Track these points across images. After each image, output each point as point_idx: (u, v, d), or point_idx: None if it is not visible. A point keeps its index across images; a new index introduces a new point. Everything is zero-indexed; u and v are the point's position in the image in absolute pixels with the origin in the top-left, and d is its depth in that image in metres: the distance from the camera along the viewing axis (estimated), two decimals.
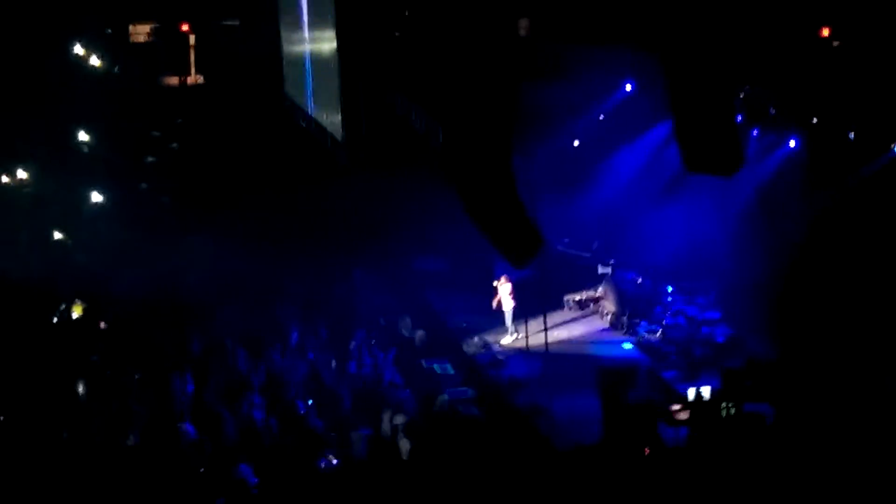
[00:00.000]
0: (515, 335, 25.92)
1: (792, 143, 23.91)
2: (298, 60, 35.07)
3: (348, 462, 19.82)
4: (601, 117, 29.27)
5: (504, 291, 25.90)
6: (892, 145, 20.40)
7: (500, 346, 25.75)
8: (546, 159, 27.90)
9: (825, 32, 21.22)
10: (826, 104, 22.19)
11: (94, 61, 35.23)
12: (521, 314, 25.90)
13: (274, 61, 35.98)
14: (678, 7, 13.78)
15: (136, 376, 22.53)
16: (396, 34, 27.61)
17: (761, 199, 25.26)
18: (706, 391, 21.58)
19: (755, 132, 24.63)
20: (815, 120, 22.57)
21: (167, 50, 36.48)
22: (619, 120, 28.67)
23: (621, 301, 27.06)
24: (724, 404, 20.79)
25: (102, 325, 25.28)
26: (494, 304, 26.03)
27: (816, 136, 22.96)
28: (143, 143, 35.64)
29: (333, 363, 23.57)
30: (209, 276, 27.33)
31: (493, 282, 26.12)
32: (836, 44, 21.41)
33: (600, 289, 27.79)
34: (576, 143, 30.09)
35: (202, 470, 19.09)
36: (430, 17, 25.39)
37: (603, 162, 29.19)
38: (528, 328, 25.84)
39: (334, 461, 19.66)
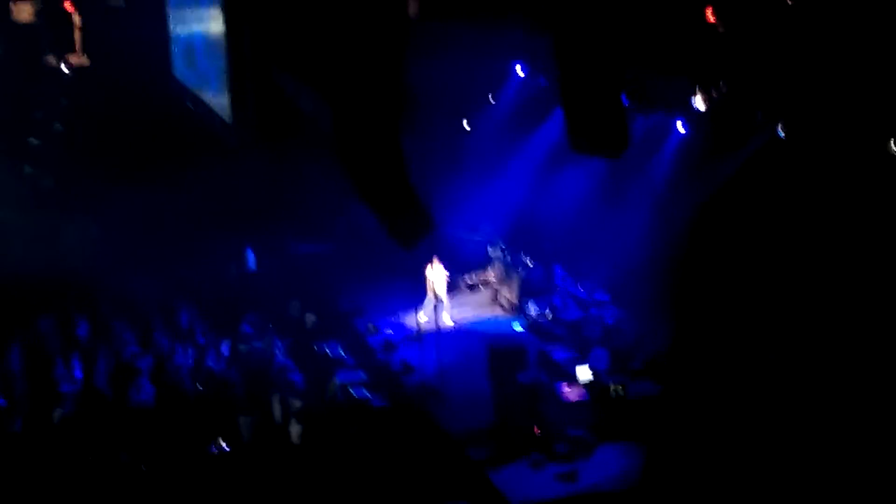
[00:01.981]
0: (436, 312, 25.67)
1: (680, 127, 24.16)
2: (186, 41, 34.56)
3: (238, 447, 19.70)
4: (492, 101, 29.35)
5: (436, 274, 25.85)
6: (777, 126, 20.70)
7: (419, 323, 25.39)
8: (440, 142, 27.92)
9: (710, 16, 21.42)
10: (713, 86, 22.46)
11: None
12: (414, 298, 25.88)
13: (161, 42, 35.38)
14: None
15: (19, 361, 22.07)
16: (284, 13, 27.32)
17: (649, 182, 25.53)
18: (590, 373, 21.88)
19: (641, 117, 24.85)
20: (700, 104, 22.83)
21: (51, 30, 35.66)
22: (513, 103, 28.76)
23: (511, 283, 27.22)
24: (612, 385, 21.07)
25: None
26: (428, 288, 25.80)
27: (703, 119, 23.24)
28: (25, 125, 34.84)
29: (223, 347, 23.33)
30: (96, 259, 26.86)
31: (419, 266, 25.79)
32: (721, 30, 21.65)
33: (490, 270, 27.89)
34: (466, 126, 30.12)
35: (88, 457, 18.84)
36: None
37: (496, 146, 29.24)
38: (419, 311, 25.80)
39: (225, 446, 19.55)
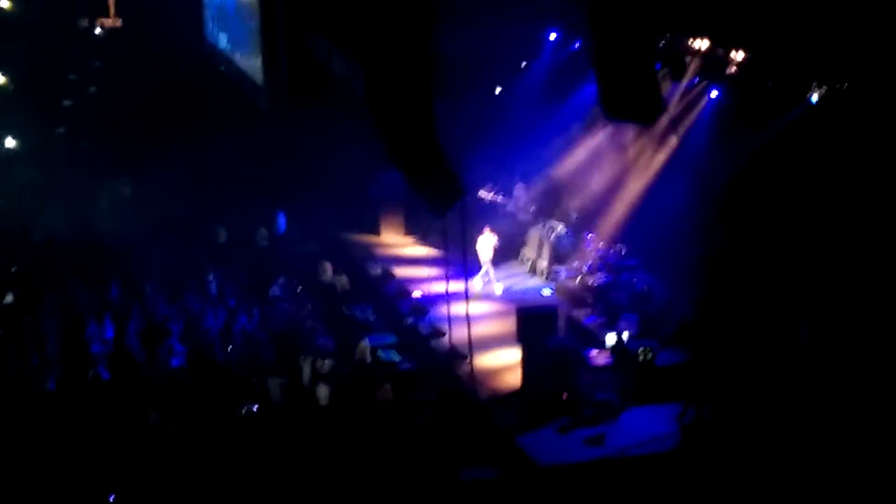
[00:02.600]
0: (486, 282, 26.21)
1: (714, 94, 24.05)
2: (219, 4, 34.61)
3: (267, 409, 19.82)
4: (524, 65, 29.26)
5: (486, 243, 26.12)
6: (808, 94, 20.58)
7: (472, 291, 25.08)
8: (471, 107, 27.87)
9: None
10: (748, 55, 22.35)
11: (5, 3, 34.47)
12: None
13: (195, 5, 35.47)
14: None
15: (52, 322, 22.25)
16: None
17: (683, 149, 25.44)
18: (624, 336, 21.87)
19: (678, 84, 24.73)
20: (734, 70, 22.73)
21: None
22: (546, 70, 28.67)
23: (542, 247, 27.22)
24: (640, 349, 21.07)
25: (14, 269, 24.88)
26: (480, 257, 26.08)
27: (737, 86, 23.12)
28: (60, 87, 35.02)
29: (254, 309, 23.45)
30: (128, 220, 27.03)
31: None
32: None
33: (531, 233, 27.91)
34: (497, 90, 30.06)
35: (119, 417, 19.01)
36: None
37: (529, 112, 29.15)
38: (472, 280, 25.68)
39: (254, 408, 19.67)
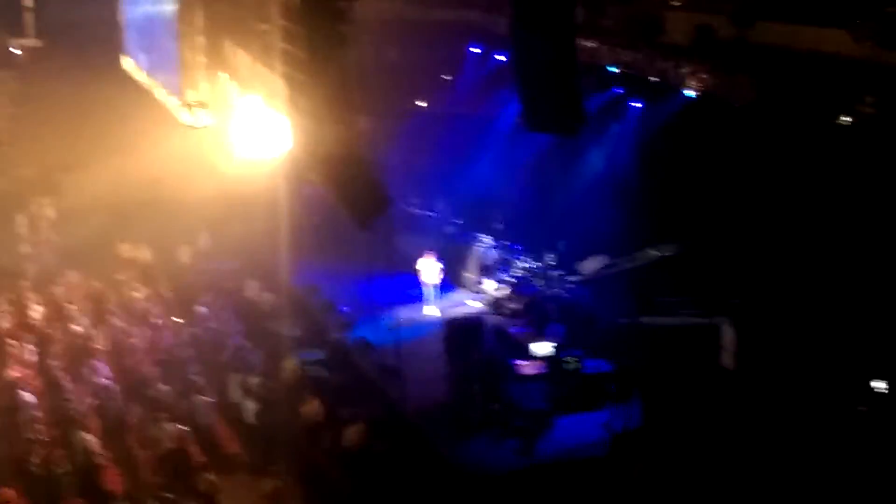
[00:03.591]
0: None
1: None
2: (140, 25, 34.44)
3: (194, 427, 19.66)
4: (448, 79, 29.42)
5: (430, 266, 25.70)
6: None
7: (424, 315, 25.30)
8: (395, 121, 27.92)
9: None
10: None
11: None
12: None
13: (113, 25, 35.26)
14: None
15: None
16: None
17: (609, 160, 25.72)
18: (550, 346, 21.96)
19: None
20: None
21: (3, 12, 35.45)
22: (468, 83, 28.85)
23: (467, 260, 27.27)
24: (567, 359, 21.19)
25: None
26: (421, 278, 25.74)
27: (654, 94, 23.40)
28: None
29: (180, 327, 23.32)
30: (52, 242, 26.78)
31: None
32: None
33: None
34: (423, 104, 30.18)
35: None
36: None
37: (451, 124, 29.28)
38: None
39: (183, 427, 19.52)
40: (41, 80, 34.37)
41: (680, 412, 19.44)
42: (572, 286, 25.36)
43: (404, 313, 24.48)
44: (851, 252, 18.40)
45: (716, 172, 21.42)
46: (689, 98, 20.28)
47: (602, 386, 20.83)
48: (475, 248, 27.25)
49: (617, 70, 21.99)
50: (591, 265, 24.89)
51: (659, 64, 20.64)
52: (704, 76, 19.42)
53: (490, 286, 26.20)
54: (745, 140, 20.00)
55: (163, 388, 20.68)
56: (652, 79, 21.11)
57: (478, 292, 26.47)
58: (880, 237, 17.78)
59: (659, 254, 23.76)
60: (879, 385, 17.80)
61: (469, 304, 26.12)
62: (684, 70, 19.91)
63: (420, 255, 25.80)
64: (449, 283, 26.43)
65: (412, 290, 25.81)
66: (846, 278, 18.59)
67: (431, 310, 25.62)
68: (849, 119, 16.12)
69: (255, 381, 20.98)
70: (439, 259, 25.82)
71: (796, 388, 18.67)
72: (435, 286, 25.83)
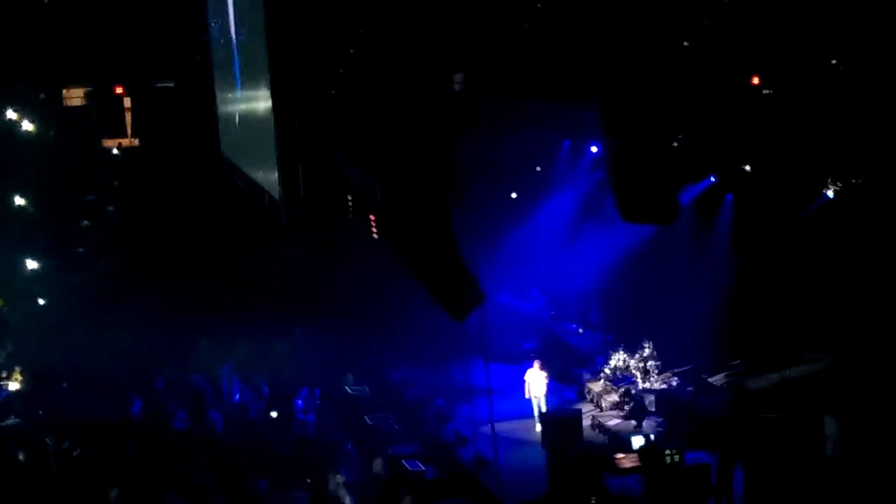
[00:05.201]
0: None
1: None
2: (233, 120, 34.98)
3: None
4: (538, 169, 29.60)
5: (537, 377, 24.45)
6: (824, 190, 20.85)
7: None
8: (487, 212, 28.09)
9: (756, 80, 21.55)
10: (757, 152, 22.58)
11: (28, 126, 34.93)
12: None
13: (209, 122, 35.86)
14: (613, 59, 14.01)
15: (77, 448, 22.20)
16: (332, 91, 27.74)
17: (694, 248, 25.61)
18: (649, 439, 21.72)
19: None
20: (747, 167, 22.93)
21: (102, 113, 36.23)
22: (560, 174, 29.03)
23: (563, 351, 27.15)
24: (667, 451, 20.90)
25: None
26: (527, 393, 24.49)
27: (747, 184, 23.35)
28: (78, 207, 35.33)
29: (276, 421, 23.43)
30: (147, 340, 27.12)
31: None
32: (765, 91, 21.76)
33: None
34: (514, 195, 30.33)
35: None
36: (365, 74, 25.55)
37: (538, 212, 29.40)
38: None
39: None
40: (140, 179, 35.06)
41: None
42: (670, 378, 25.09)
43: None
44: None
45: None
46: None
47: (703, 478, 20.49)
48: (569, 339, 27.13)
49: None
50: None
51: None
52: None
53: (585, 377, 26.01)
54: None
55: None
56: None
57: (574, 383, 26.24)
58: None
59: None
60: None
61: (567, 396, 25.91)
62: None
63: (526, 362, 25.11)
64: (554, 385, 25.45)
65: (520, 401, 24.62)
66: None
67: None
68: None
69: (351, 476, 20.93)
70: (544, 367, 24.64)
71: None
72: (545, 397, 24.55)
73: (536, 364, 24.64)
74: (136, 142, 36.76)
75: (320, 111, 27.71)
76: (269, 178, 31.19)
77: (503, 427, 22.60)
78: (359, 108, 25.95)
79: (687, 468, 20.78)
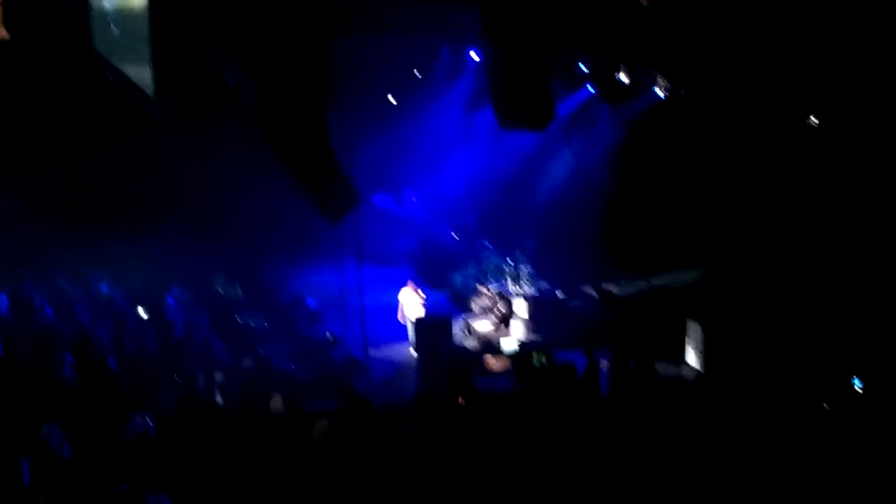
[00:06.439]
0: None
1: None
2: (107, 15, 34.12)
3: (161, 419, 19.56)
4: (419, 76, 29.44)
5: (411, 299, 23.88)
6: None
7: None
8: (364, 115, 27.93)
9: None
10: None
11: None
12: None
13: (82, 16, 34.91)
14: None
15: None
16: None
17: (572, 160, 25.89)
18: (518, 342, 22.06)
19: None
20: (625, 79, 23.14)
21: None
22: (440, 80, 28.90)
23: (437, 255, 27.32)
24: (535, 353, 21.26)
25: None
26: (400, 316, 23.95)
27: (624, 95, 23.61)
28: None
29: (146, 319, 23.23)
30: (17, 235, 26.57)
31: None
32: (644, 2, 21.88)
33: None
34: (392, 100, 30.19)
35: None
36: None
37: (417, 118, 29.32)
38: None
39: (150, 421, 19.41)
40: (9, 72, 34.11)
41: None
42: (541, 283, 25.44)
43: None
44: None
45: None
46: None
47: (569, 376, 20.87)
48: (445, 242, 27.29)
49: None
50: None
51: None
52: None
53: (458, 281, 26.23)
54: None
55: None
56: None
57: (447, 287, 26.44)
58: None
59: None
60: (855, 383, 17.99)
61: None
62: None
63: (400, 266, 25.52)
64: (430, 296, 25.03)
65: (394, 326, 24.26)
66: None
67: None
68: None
69: (219, 374, 20.91)
70: (419, 286, 24.22)
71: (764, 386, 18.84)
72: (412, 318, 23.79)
73: (410, 285, 24.11)
74: (6, 35, 35.66)
75: (196, 6, 27.20)
76: (142, 74, 30.60)
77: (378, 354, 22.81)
78: (236, 4, 25.49)
79: (554, 367, 21.18)
